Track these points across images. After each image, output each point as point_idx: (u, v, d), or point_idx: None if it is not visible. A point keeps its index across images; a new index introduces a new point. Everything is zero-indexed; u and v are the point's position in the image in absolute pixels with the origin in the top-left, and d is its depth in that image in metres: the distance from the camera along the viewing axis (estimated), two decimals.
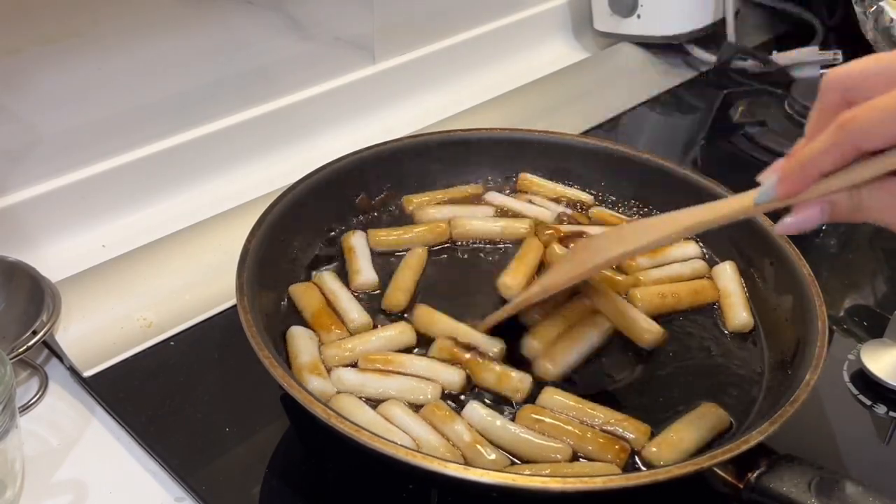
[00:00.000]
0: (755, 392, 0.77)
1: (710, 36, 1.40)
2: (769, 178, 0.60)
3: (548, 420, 0.72)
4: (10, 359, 0.69)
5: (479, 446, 0.69)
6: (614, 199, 0.99)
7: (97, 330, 0.83)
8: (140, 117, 0.97)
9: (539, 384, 0.76)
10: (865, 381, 0.85)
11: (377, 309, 0.84)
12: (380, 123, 1.19)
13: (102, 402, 0.79)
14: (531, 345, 0.79)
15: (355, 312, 0.81)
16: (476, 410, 0.72)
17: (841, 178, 0.56)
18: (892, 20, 1.13)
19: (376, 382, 0.74)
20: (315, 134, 1.14)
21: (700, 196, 0.91)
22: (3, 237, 0.89)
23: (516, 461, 0.70)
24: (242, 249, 0.78)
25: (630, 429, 0.71)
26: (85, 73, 0.91)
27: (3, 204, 0.90)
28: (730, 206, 0.66)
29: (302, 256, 0.88)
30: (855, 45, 1.31)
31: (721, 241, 0.91)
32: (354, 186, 0.93)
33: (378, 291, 0.85)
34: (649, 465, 0.70)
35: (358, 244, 0.88)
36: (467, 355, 0.76)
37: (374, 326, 0.81)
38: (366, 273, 0.85)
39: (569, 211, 0.96)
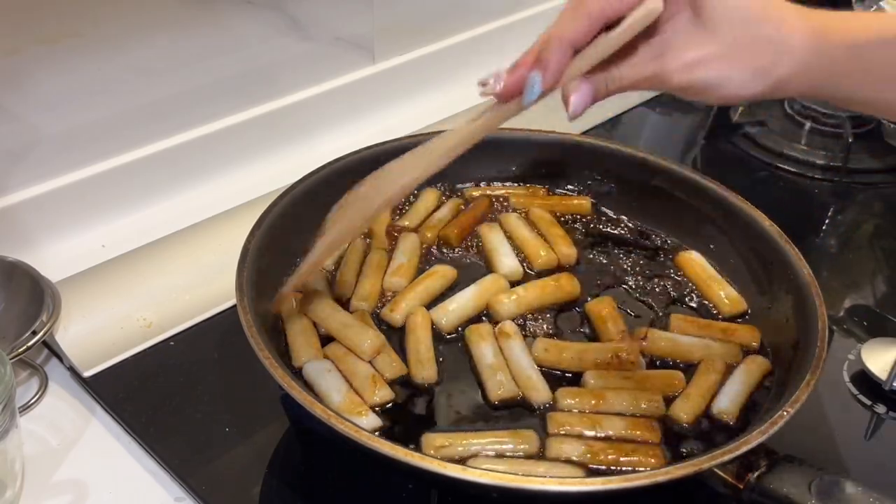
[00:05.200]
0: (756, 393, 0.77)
1: None
2: (532, 77, 0.61)
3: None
4: (10, 359, 0.69)
5: None
6: (614, 198, 0.99)
7: (97, 330, 0.83)
8: (140, 117, 0.97)
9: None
10: (865, 381, 0.85)
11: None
12: (380, 123, 1.19)
13: (102, 402, 0.79)
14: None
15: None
16: None
17: (590, 53, 0.60)
18: None
19: None
20: (315, 134, 1.14)
21: (699, 195, 0.92)
22: (3, 237, 0.89)
23: None
24: (242, 249, 0.78)
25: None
26: (85, 73, 0.91)
27: (3, 204, 0.90)
28: (493, 117, 0.66)
29: (302, 256, 0.88)
30: None
31: (722, 243, 0.91)
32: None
33: None
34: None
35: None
36: None
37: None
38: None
39: None
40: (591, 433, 0.71)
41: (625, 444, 0.70)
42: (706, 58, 0.60)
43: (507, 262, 0.89)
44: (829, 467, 0.64)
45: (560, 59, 0.60)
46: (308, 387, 0.73)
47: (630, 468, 0.68)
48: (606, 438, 0.71)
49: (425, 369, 0.76)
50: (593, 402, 0.74)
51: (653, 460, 0.69)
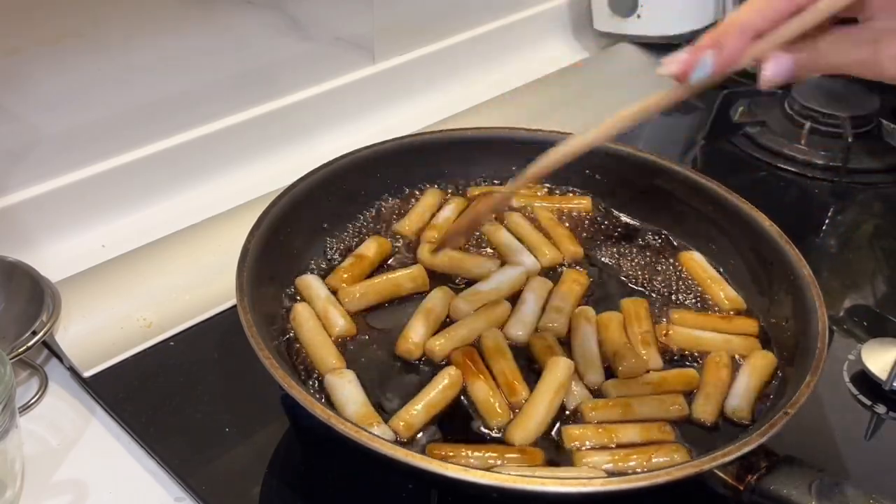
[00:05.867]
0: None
1: None
2: (701, 55, 0.61)
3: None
4: (10, 359, 0.69)
5: None
6: (614, 198, 0.99)
7: (97, 330, 0.83)
8: (140, 117, 0.97)
9: None
10: (865, 381, 0.85)
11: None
12: (380, 123, 1.19)
13: (102, 402, 0.79)
14: None
15: (340, 319, 0.81)
16: None
17: (773, 36, 0.59)
18: None
19: None
20: (315, 134, 1.14)
21: (699, 195, 0.92)
22: (3, 237, 0.89)
23: None
24: (242, 249, 0.78)
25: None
26: (85, 73, 0.91)
27: (3, 204, 0.90)
28: (664, 97, 0.65)
29: (302, 256, 0.88)
30: None
31: (722, 243, 0.91)
32: (354, 186, 0.93)
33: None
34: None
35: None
36: None
37: (357, 332, 0.81)
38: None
39: None
40: (610, 444, 0.71)
41: (648, 447, 0.70)
42: None
43: (526, 260, 0.90)
44: (829, 468, 0.65)
45: (737, 44, 0.59)
46: (327, 398, 0.73)
47: (658, 468, 0.67)
48: (626, 445, 0.71)
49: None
50: (620, 411, 0.74)
51: (677, 456, 0.69)
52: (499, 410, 0.73)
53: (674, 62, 0.62)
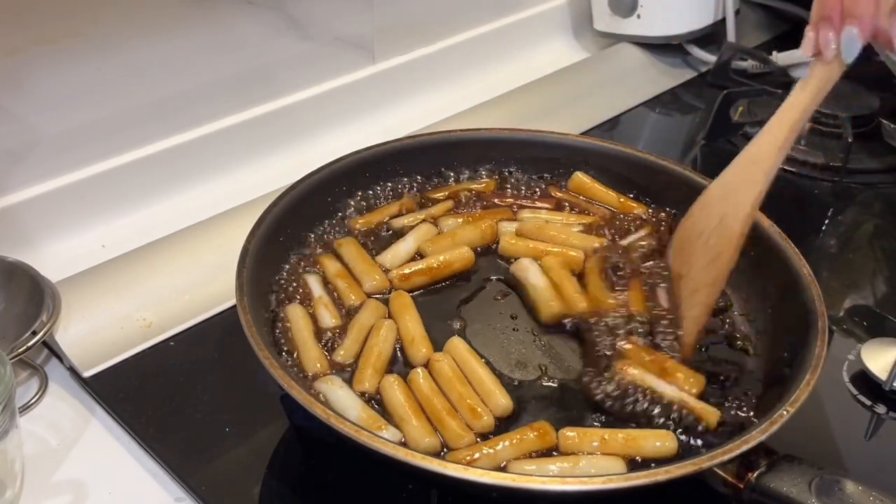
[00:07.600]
0: (755, 393, 0.77)
1: (710, 36, 1.40)
2: (846, 33, 0.60)
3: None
4: (10, 359, 0.69)
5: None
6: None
7: (97, 330, 0.83)
8: (140, 117, 0.97)
9: None
10: (865, 381, 0.85)
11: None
12: (380, 123, 1.19)
13: (102, 402, 0.79)
14: None
15: (329, 319, 0.81)
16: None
17: None
18: None
19: None
20: (315, 134, 1.14)
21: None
22: (3, 237, 0.89)
23: None
24: (242, 249, 0.78)
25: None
26: (85, 73, 0.91)
27: (3, 204, 0.90)
28: (817, 88, 0.67)
29: (301, 256, 0.88)
30: None
31: None
32: (354, 187, 0.93)
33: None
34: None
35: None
36: None
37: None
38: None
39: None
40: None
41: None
42: None
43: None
44: (828, 467, 0.64)
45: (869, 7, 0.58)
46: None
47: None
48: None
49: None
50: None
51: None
52: (459, 431, 0.71)
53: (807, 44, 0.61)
